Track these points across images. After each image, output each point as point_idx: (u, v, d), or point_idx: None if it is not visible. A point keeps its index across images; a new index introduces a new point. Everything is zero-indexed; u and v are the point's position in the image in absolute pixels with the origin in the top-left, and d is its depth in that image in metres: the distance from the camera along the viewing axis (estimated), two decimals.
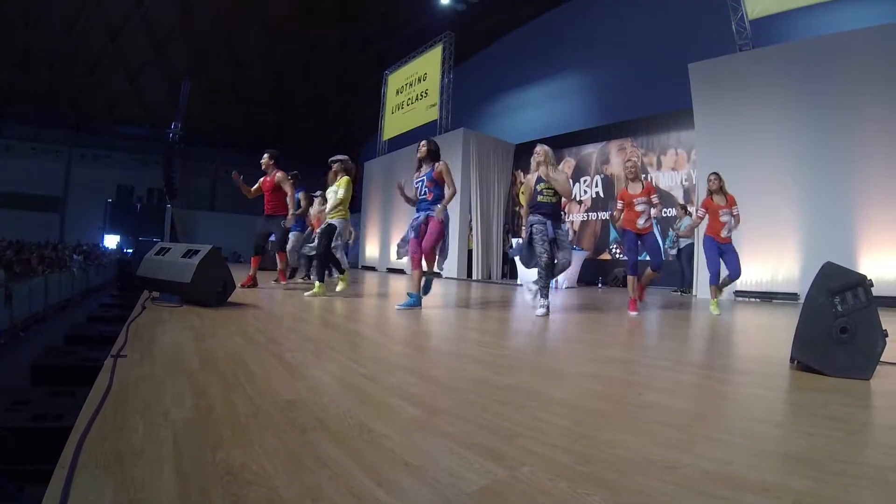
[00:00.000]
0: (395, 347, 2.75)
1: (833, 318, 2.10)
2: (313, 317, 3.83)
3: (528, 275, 4.89)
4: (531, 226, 4.59)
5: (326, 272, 7.96)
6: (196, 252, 3.81)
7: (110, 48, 17.39)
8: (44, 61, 17.23)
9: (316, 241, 5.51)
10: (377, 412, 1.48)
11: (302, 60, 19.51)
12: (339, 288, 5.55)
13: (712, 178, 5.28)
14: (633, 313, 4.91)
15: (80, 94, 18.95)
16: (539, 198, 4.60)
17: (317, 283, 5.27)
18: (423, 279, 4.67)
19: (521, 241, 5.11)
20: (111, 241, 21.89)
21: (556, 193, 4.57)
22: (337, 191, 5.41)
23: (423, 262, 4.62)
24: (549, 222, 4.54)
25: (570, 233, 11.21)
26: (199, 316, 3.29)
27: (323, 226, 5.43)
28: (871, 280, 2.11)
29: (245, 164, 6.01)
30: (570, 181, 4.71)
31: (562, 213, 4.76)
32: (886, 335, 2.06)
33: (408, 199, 4.83)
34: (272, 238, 6.31)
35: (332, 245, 5.29)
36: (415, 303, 4.50)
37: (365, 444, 1.20)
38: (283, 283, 6.50)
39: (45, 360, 2.77)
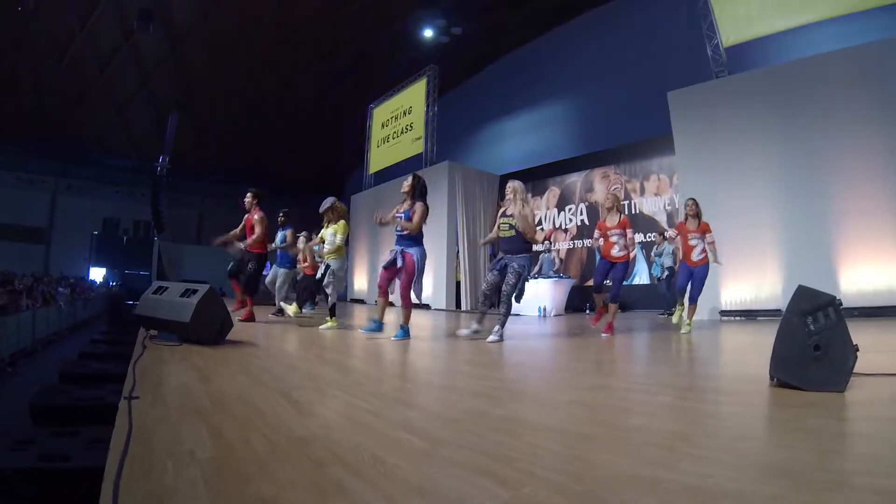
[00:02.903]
0: (394, 382, 2.86)
1: (807, 337, 2.27)
2: (310, 354, 3.93)
3: (518, 307, 5.15)
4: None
5: (307, 305, 8.13)
6: (194, 291, 3.90)
7: (99, 79, 17.53)
8: (32, 90, 17.31)
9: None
10: (386, 445, 1.59)
11: (287, 95, 19.81)
12: (326, 326, 5.66)
13: (689, 203, 5.61)
14: (594, 325, 5.42)
15: (68, 124, 19.00)
16: (499, 232, 4.92)
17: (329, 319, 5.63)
18: (399, 327, 4.84)
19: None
20: (97, 273, 21.69)
21: (511, 227, 4.80)
22: (335, 234, 5.63)
23: (402, 306, 4.91)
24: (505, 258, 4.86)
25: (557, 261, 11.40)
26: (200, 355, 3.37)
27: (322, 267, 5.67)
28: (840, 300, 2.29)
29: (231, 195, 6.08)
30: (534, 219, 4.93)
31: (525, 244, 4.92)
32: (857, 350, 2.23)
33: (383, 223, 5.03)
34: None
35: (325, 282, 5.50)
36: (377, 328, 4.80)
37: (380, 475, 1.32)
38: (241, 319, 6.01)
39: (44, 399, 2.82)
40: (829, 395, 2.21)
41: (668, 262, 9.34)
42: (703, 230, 5.51)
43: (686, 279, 5.63)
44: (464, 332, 4.74)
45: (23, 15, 14.28)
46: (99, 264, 21.77)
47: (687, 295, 5.66)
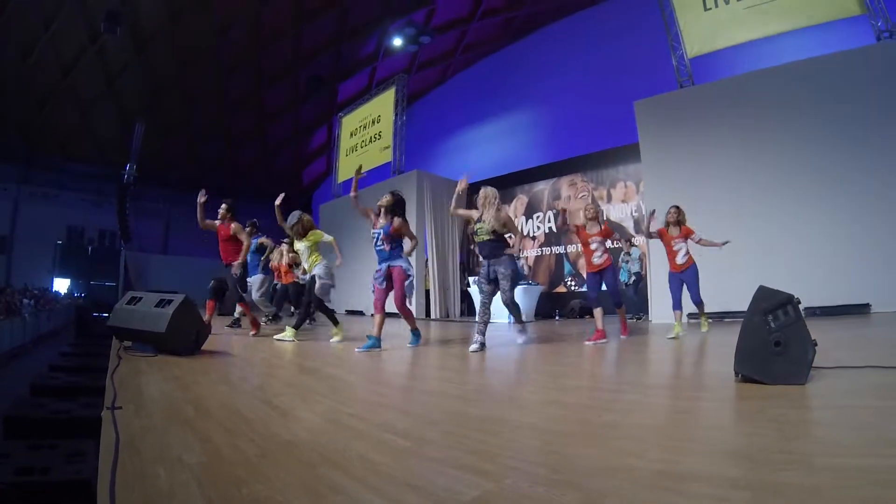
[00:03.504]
0: (373, 387, 2.92)
1: (768, 334, 2.41)
2: (286, 362, 3.95)
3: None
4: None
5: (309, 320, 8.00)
6: (169, 302, 3.88)
7: (63, 82, 17.01)
8: None
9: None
10: (372, 446, 1.65)
11: (256, 103, 19.61)
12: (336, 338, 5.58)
13: (671, 210, 5.77)
14: (590, 343, 5.17)
15: (31, 129, 18.36)
16: (475, 238, 4.99)
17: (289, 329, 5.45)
18: (411, 333, 5.00)
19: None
20: (61, 284, 20.97)
21: (489, 231, 4.86)
22: (309, 248, 5.61)
23: (403, 318, 5.06)
24: (486, 263, 4.93)
25: (526, 268, 11.55)
26: (177, 366, 3.36)
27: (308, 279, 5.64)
28: (798, 298, 2.44)
29: (196, 204, 5.89)
30: (510, 218, 5.03)
31: (503, 246, 4.97)
32: (815, 344, 2.38)
33: (355, 191, 5.17)
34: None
35: (320, 293, 5.49)
36: (374, 345, 4.67)
37: (368, 473, 1.38)
38: (253, 333, 6.01)
39: (17, 412, 2.77)
40: (791, 387, 2.35)
41: (635, 267, 9.59)
42: (686, 234, 5.69)
43: (678, 288, 5.71)
44: (473, 347, 4.71)
45: None
46: (63, 275, 21.04)
47: (677, 304, 5.73)
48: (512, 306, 4.96)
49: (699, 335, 5.74)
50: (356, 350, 4.54)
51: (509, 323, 9.41)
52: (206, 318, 5.86)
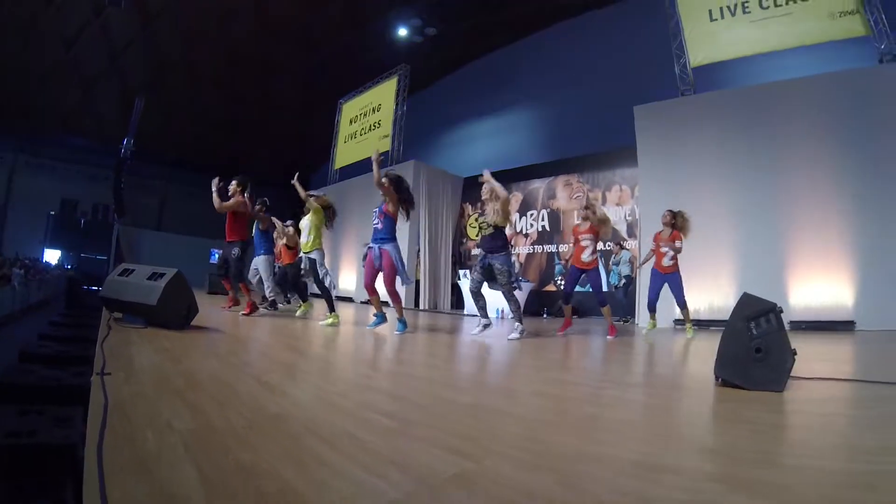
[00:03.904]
0: (361, 370, 2.95)
1: (749, 340, 2.46)
2: (275, 341, 3.98)
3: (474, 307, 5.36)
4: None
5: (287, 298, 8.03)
6: (162, 275, 3.89)
7: (65, 57, 16.87)
8: None
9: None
10: (358, 424, 1.69)
11: (257, 83, 19.49)
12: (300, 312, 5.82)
13: (665, 213, 5.96)
14: (559, 334, 5.52)
15: (32, 101, 18.20)
16: (479, 230, 5.16)
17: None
18: (398, 321, 5.01)
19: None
20: (52, 255, 20.83)
21: (490, 226, 4.94)
22: (312, 223, 5.76)
23: (391, 302, 5.14)
24: (483, 255, 5.10)
25: (517, 265, 11.60)
26: (167, 339, 3.38)
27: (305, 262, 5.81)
28: (780, 307, 2.50)
29: (195, 184, 5.88)
30: (504, 202, 5.11)
31: (503, 241, 5.13)
32: (795, 353, 2.43)
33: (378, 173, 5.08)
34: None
35: (321, 277, 5.73)
36: (381, 321, 5.09)
37: (353, 448, 1.41)
38: (245, 313, 6.04)
39: (5, 378, 2.79)
40: (769, 393, 2.41)
41: (625, 270, 9.66)
42: (674, 238, 5.81)
43: (657, 288, 5.93)
44: (476, 331, 5.05)
45: None
46: (54, 246, 20.91)
47: (652, 304, 6.01)
48: (511, 297, 5.02)
49: (683, 340, 5.82)
50: (367, 327, 4.86)
51: (497, 318, 9.50)
52: (230, 294, 6.07)
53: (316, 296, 7.32)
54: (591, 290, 5.81)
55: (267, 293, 6.90)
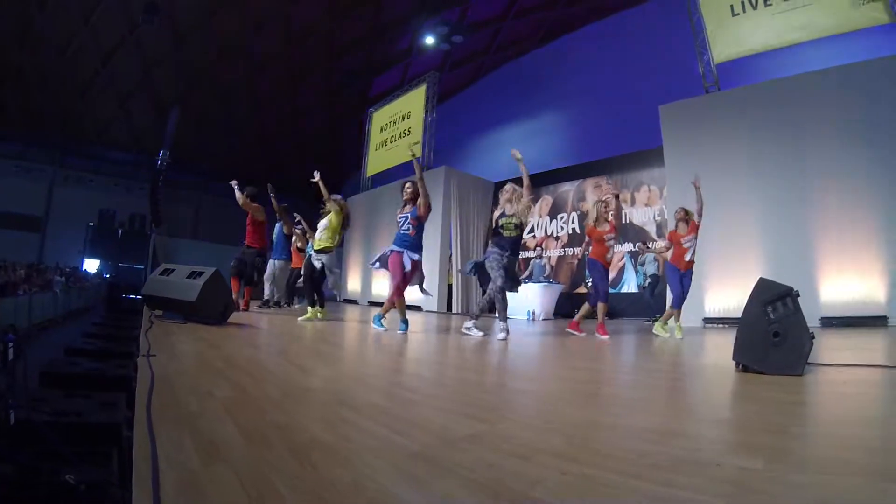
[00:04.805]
0: (389, 357, 3.07)
1: (767, 325, 2.48)
2: (308, 335, 4.13)
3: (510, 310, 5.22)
4: (489, 255, 5.01)
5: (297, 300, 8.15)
6: (200, 273, 4.10)
7: (102, 71, 17.64)
8: (35, 81, 17.41)
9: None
10: (383, 397, 1.81)
11: (288, 96, 20.01)
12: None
13: (678, 211, 5.89)
14: (604, 337, 5.27)
15: (69, 115, 19.07)
16: (504, 232, 5.01)
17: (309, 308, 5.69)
18: (401, 322, 4.94)
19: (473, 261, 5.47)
20: (91, 265, 21.68)
21: (516, 227, 4.95)
22: (330, 224, 5.80)
23: (396, 302, 4.99)
24: (506, 254, 4.93)
25: (548, 268, 11.60)
26: (206, 331, 3.57)
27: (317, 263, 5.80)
28: (797, 291, 2.51)
29: (229, 193, 6.09)
30: (530, 206, 5.12)
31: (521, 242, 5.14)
32: (813, 337, 2.44)
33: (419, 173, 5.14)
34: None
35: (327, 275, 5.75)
36: (406, 327, 4.86)
37: (378, 413, 1.53)
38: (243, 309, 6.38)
39: (53, 369, 2.99)
40: (787, 377, 2.42)
41: (650, 269, 9.61)
42: (693, 228, 5.77)
43: (678, 287, 5.79)
44: (501, 335, 4.73)
45: (29, 7, 14.44)
46: (93, 256, 21.74)
47: (678, 301, 5.82)
48: (501, 298, 4.93)
49: (709, 336, 5.78)
50: (398, 332, 4.73)
51: (528, 319, 9.54)
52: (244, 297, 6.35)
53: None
54: (620, 291, 5.83)
55: (266, 292, 7.34)
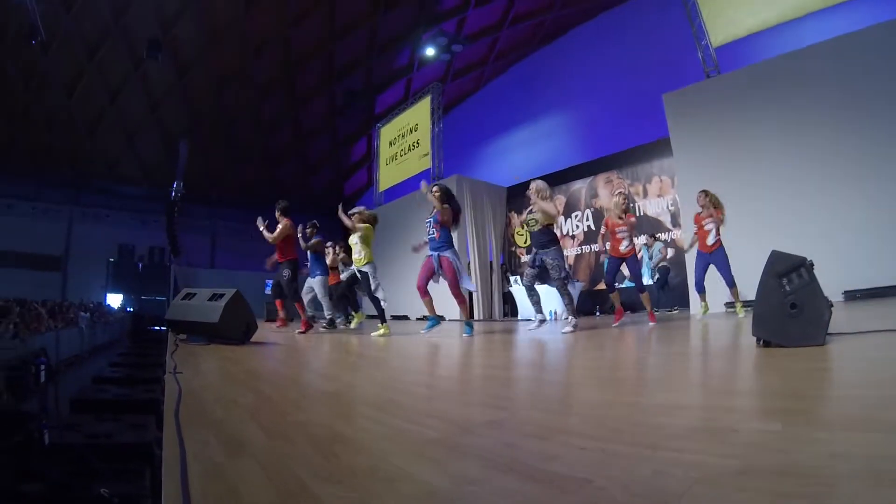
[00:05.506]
0: (411, 361, 3.10)
1: (783, 297, 2.44)
2: (332, 348, 4.18)
3: (528, 312, 5.45)
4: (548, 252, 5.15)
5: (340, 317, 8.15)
6: (221, 295, 4.18)
7: (109, 109, 18.08)
8: (43, 122, 17.88)
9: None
10: (402, 394, 1.84)
11: (295, 117, 20.30)
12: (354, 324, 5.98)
13: (699, 194, 5.95)
14: (616, 325, 5.45)
15: (81, 154, 19.53)
16: (527, 228, 5.18)
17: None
18: (465, 324, 5.14)
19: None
20: (114, 300, 22.08)
21: (537, 222, 5.02)
22: (362, 238, 6.00)
23: (458, 306, 5.29)
24: (535, 251, 5.12)
25: (567, 266, 11.58)
26: (229, 350, 3.64)
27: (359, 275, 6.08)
28: (811, 261, 2.48)
29: (242, 220, 6.21)
30: (552, 204, 5.21)
31: (551, 236, 5.14)
32: (831, 305, 2.40)
33: (418, 248, 5.39)
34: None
35: (374, 288, 5.94)
36: (435, 323, 5.18)
37: (396, 408, 1.56)
38: (301, 331, 6.11)
39: (83, 396, 3.08)
40: (806, 348, 2.36)
41: (655, 261, 9.61)
42: (713, 214, 5.80)
43: (703, 269, 5.89)
44: (532, 327, 5.17)
45: (34, 50, 14.86)
46: (116, 290, 22.12)
47: (699, 286, 5.99)
48: (565, 291, 5.07)
49: (734, 319, 5.71)
50: (421, 332, 4.92)
51: (550, 319, 9.50)
52: (279, 315, 6.37)
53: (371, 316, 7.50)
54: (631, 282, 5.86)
55: (326, 313, 6.94)
